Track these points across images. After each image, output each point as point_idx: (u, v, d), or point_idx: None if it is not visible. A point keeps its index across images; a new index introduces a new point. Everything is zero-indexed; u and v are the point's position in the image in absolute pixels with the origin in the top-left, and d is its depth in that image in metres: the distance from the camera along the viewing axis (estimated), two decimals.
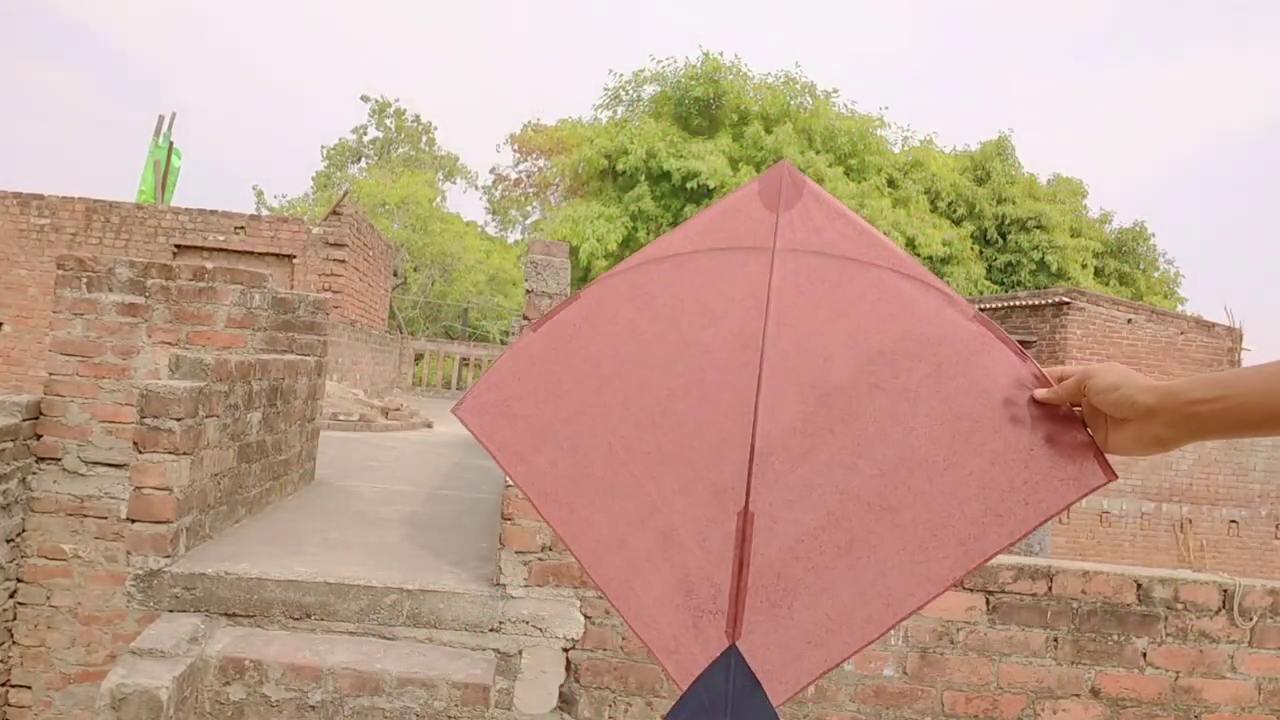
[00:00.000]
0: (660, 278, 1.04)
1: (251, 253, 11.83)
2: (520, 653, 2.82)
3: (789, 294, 0.99)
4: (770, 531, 0.89)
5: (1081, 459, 0.85)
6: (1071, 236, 23.91)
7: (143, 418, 2.85)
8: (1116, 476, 0.84)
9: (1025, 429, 0.88)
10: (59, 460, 4.10)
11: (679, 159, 20.33)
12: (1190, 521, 13.21)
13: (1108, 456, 0.85)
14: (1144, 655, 2.93)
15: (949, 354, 0.92)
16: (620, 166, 20.94)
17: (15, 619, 4.04)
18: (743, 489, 0.91)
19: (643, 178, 20.70)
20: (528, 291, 3.00)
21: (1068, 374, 0.87)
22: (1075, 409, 0.87)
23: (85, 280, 4.18)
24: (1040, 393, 0.88)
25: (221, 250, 11.80)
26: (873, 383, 0.93)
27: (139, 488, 2.84)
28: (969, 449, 0.88)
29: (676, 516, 0.92)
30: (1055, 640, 2.91)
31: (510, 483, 2.85)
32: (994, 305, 15.22)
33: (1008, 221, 23.76)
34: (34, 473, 4.08)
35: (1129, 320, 13.61)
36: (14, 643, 4.03)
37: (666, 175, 20.42)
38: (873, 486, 0.89)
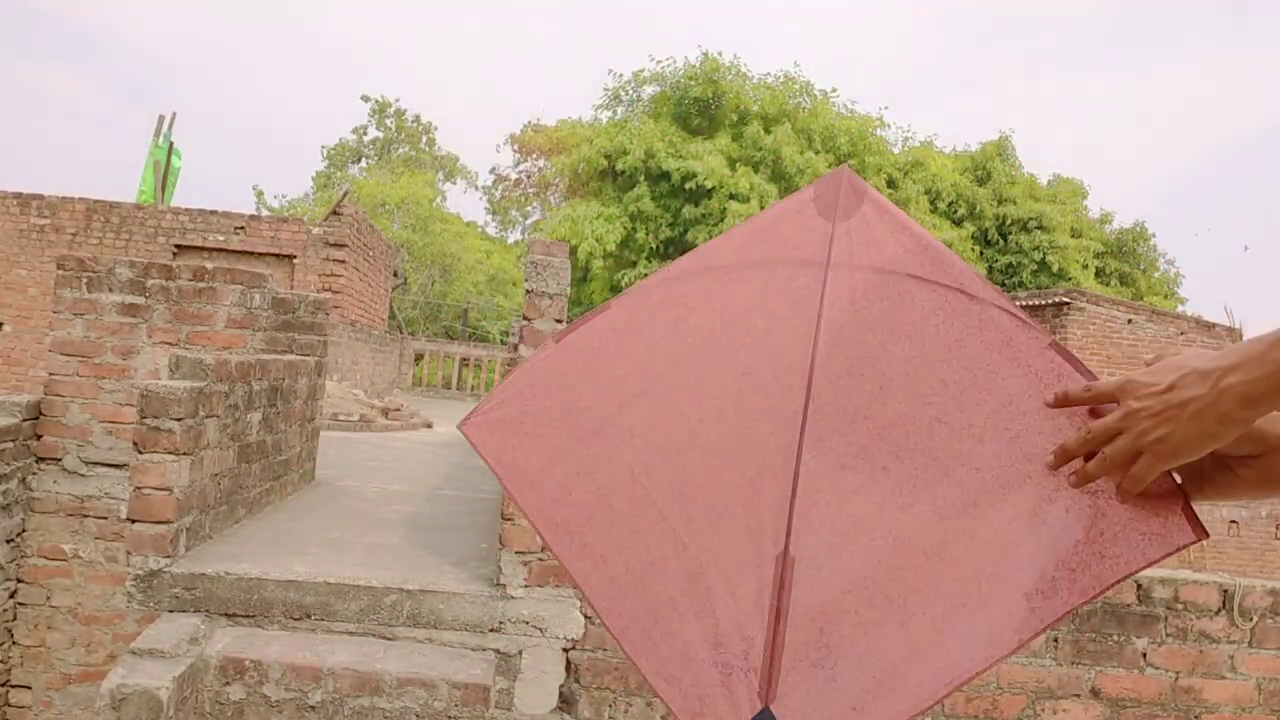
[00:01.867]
0: (699, 291, 0.94)
1: (251, 253, 11.83)
2: (520, 653, 2.82)
3: (842, 313, 0.88)
4: (813, 579, 0.78)
5: (1167, 512, 0.74)
6: (1072, 237, 23.92)
7: (143, 418, 2.85)
8: (1208, 535, 0.74)
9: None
10: (59, 460, 4.10)
11: (678, 159, 20.33)
12: None
13: (1200, 509, 0.75)
14: (1144, 655, 2.93)
15: (1021, 387, 0.81)
16: (620, 166, 20.94)
17: (15, 619, 4.04)
18: (783, 530, 0.80)
19: (642, 178, 20.71)
20: (528, 292, 3.00)
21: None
22: None
23: (85, 280, 4.18)
24: (1076, 390, 0.78)
25: (221, 250, 11.80)
26: (934, 416, 0.82)
27: (139, 488, 2.84)
28: (1040, 495, 0.77)
29: (705, 557, 0.81)
30: (1055, 640, 2.91)
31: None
32: None
33: (1008, 222, 23.77)
34: (34, 473, 4.08)
35: (1129, 320, 13.61)
36: (14, 643, 4.03)
37: (666, 175, 20.43)
38: (931, 533, 0.78)
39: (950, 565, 0.77)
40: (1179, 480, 0.75)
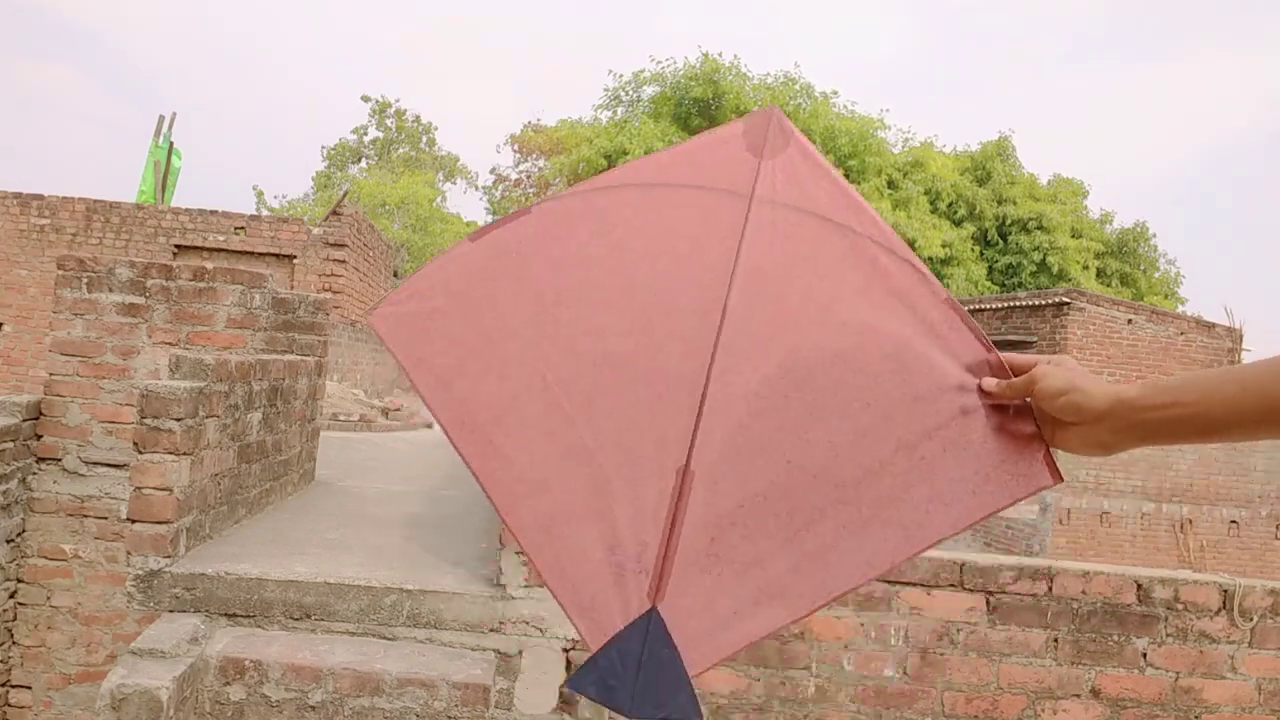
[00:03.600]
0: (622, 205, 0.96)
1: (251, 253, 11.84)
2: (520, 653, 2.82)
3: (761, 246, 0.93)
4: (709, 493, 0.83)
5: (1030, 457, 0.83)
6: (1072, 237, 23.91)
7: (143, 418, 2.85)
8: (1062, 479, 0.83)
9: (979, 418, 0.84)
10: (59, 460, 4.10)
11: None
12: (1190, 522, 13.21)
13: (1057, 454, 0.83)
14: (1144, 656, 2.93)
15: (915, 334, 0.88)
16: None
17: (15, 619, 4.04)
18: (685, 445, 0.84)
19: None
20: None
21: (1026, 365, 0.85)
22: (1027, 401, 0.84)
23: (85, 280, 4.18)
24: (988, 383, 0.85)
25: (221, 250, 11.80)
26: (835, 352, 0.88)
27: (139, 488, 2.84)
28: (923, 433, 0.84)
29: (610, 466, 0.84)
30: (1055, 640, 2.91)
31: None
32: (994, 306, 15.22)
33: (1008, 222, 23.77)
34: (34, 473, 4.08)
35: (1129, 320, 13.61)
36: (14, 643, 4.03)
37: None
38: (822, 460, 0.84)
39: (837, 491, 0.83)
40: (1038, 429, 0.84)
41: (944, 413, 0.85)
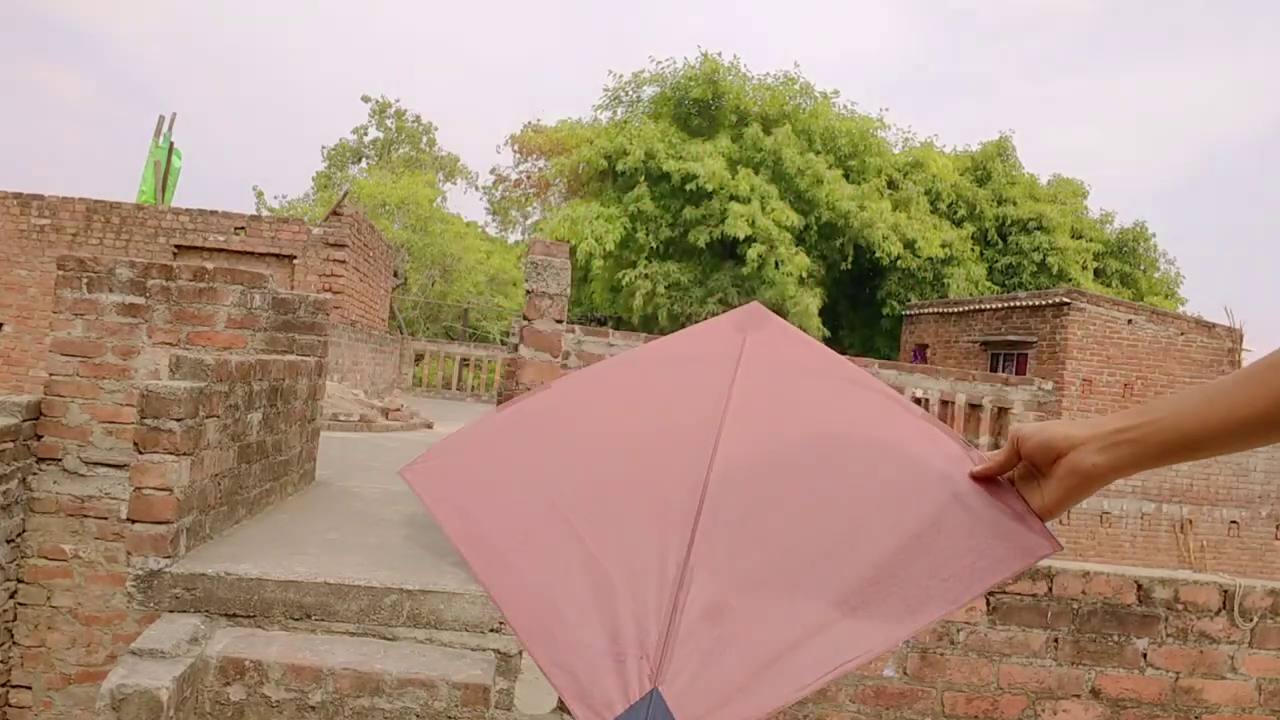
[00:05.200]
0: (628, 375, 1.12)
1: (252, 253, 11.84)
2: (520, 653, 2.82)
3: (749, 389, 1.05)
4: (710, 580, 0.86)
5: (1026, 529, 0.86)
6: (1072, 237, 23.89)
7: (143, 418, 2.85)
8: (1060, 546, 0.85)
9: (968, 504, 0.90)
10: (59, 460, 4.10)
11: (678, 160, 20.33)
12: (1191, 522, 13.21)
13: (1050, 525, 0.87)
14: (1144, 656, 2.93)
15: (897, 439, 0.97)
16: (620, 167, 20.94)
17: (15, 619, 4.04)
18: (685, 545, 0.89)
19: (642, 178, 20.71)
20: (528, 292, 3.00)
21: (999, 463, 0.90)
22: (1011, 481, 0.89)
23: (86, 280, 4.18)
24: (976, 468, 0.90)
25: (222, 251, 11.80)
26: (823, 458, 0.97)
27: (139, 488, 2.84)
28: (915, 518, 0.89)
29: (613, 568, 0.89)
30: (1055, 641, 2.91)
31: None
32: (994, 306, 15.22)
33: (1008, 222, 23.76)
34: (34, 473, 4.08)
35: (1129, 321, 13.61)
36: (14, 643, 4.03)
37: (666, 176, 20.43)
38: (818, 544, 0.89)
39: (836, 569, 0.87)
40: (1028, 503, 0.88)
41: (937, 500, 0.90)
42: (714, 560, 0.88)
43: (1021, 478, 0.88)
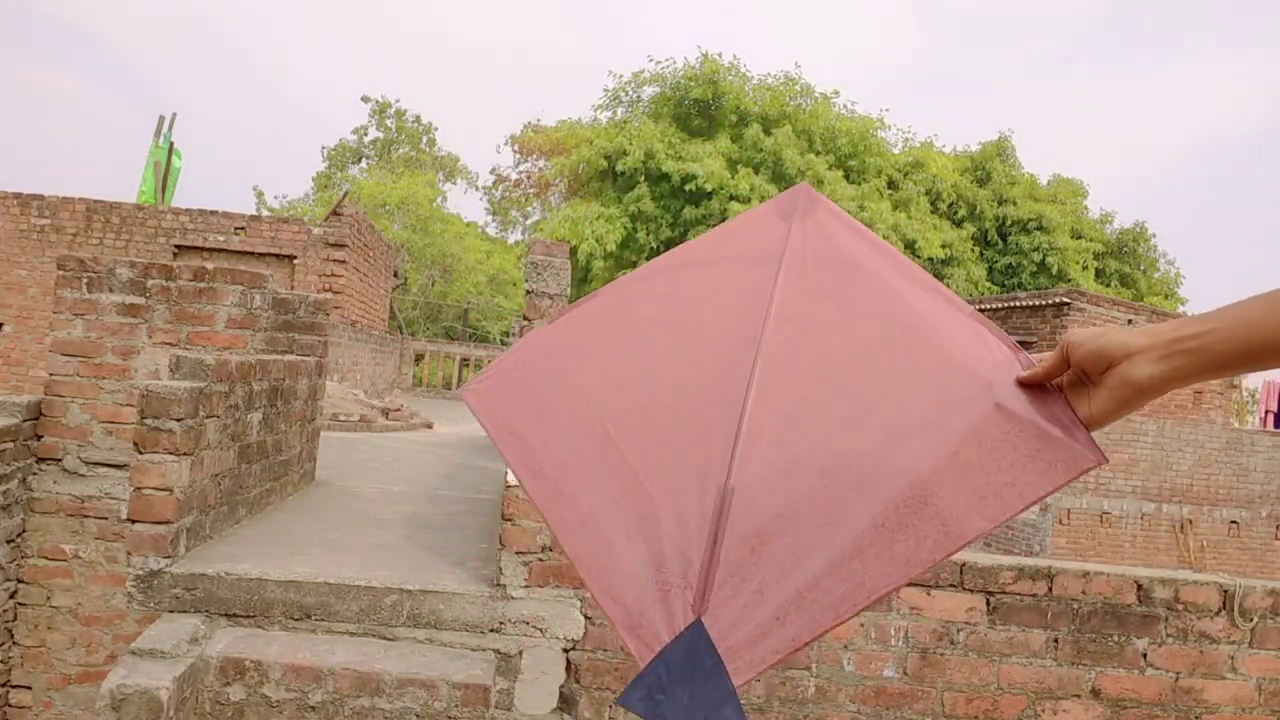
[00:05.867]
0: (672, 282, 1.09)
1: (252, 253, 11.83)
2: (520, 653, 2.82)
3: (793, 293, 1.02)
4: (749, 507, 0.87)
5: (1070, 440, 0.84)
6: (1072, 238, 23.90)
7: (143, 418, 2.85)
8: (1106, 459, 0.82)
9: (1012, 411, 0.87)
10: (59, 461, 4.10)
11: (678, 160, 20.34)
12: (1191, 522, 13.21)
13: (1096, 436, 0.84)
14: (1144, 656, 2.93)
15: (943, 343, 0.94)
16: (620, 167, 20.94)
17: (15, 619, 4.04)
18: (725, 466, 0.89)
19: (642, 179, 20.71)
20: (528, 292, 3.00)
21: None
22: (1059, 389, 0.86)
23: (86, 281, 4.18)
24: (1024, 373, 0.87)
25: (222, 251, 11.80)
26: (869, 365, 0.95)
27: (139, 488, 2.84)
28: (956, 431, 0.88)
29: (659, 494, 0.91)
30: (1056, 641, 2.91)
31: (510, 481, 2.85)
32: (994, 306, 15.22)
33: (1008, 223, 23.76)
34: (34, 473, 4.08)
35: (1129, 321, 13.61)
36: (14, 643, 4.03)
37: (666, 176, 20.43)
38: (858, 466, 0.88)
39: (874, 491, 0.86)
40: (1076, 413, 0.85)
41: (979, 411, 0.88)
42: (752, 485, 0.88)
43: (1070, 385, 0.84)
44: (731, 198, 19.70)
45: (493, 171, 36.80)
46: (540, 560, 2.85)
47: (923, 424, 0.89)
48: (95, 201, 11.99)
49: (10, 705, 4.04)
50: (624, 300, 1.10)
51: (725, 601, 0.83)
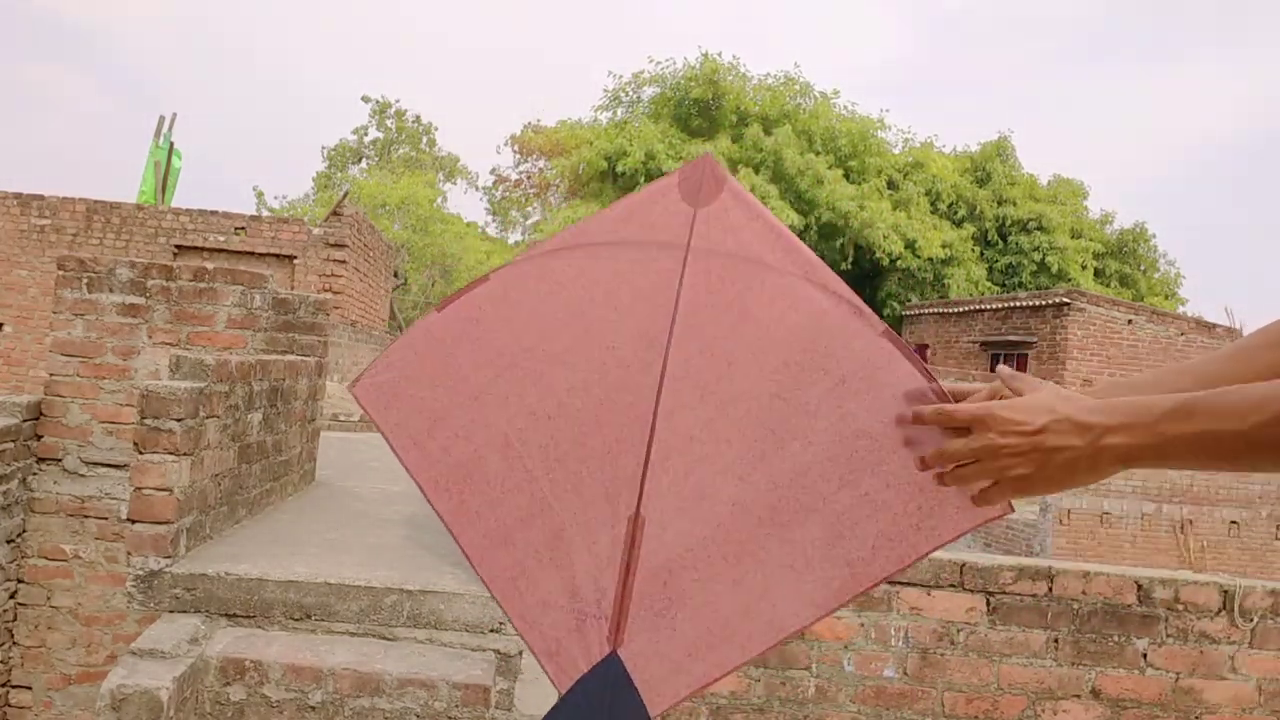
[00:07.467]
0: (571, 266, 1.00)
1: (252, 253, 11.84)
2: (521, 653, 2.82)
3: (698, 295, 0.96)
4: (659, 539, 0.86)
5: None
6: (1072, 238, 23.90)
7: (143, 418, 2.85)
8: (1012, 509, 0.78)
9: (923, 450, 0.82)
10: (59, 461, 4.10)
11: (678, 161, 20.34)
12: (1191, 522, 13.21)
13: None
14: (1144, 656, 2.93)
15: (853, 369, 0.88)
16: (620, 168, 20.96)
17: (15, 619, 4.04)
18: (635, 493, 0.88)
19: (642, 179, 20.72)
20: None
21: (968, 392, 0.81)
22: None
23: (86, 281, 4.18)
24: (928, 412, 0.81)
25: (222, 251, 11.80)
26: (774, 392, 0.90)
27: (139, 488, 2.84)
28: (864, 469, 0.85)
29: (567, 516, 0.89)
30: (1056, 641, 2.91)
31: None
32: (994, 306, 15.23)
33: (1008, 223, 23.76)
34: (34, 473, 4.08)
35: (1129, 321, 13.62)
36: (14, 643, 4.03)
37: None
38: (765, 500, 0.86)
39: (781, 530, 0.85)
40: None
41: (885, 448, 0.85)
42: (662, 515, 0.87)
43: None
44: None
45: (493, 172, 36.81)
46: None
47: (831, 458, 0.86)
48: (95, 202, 11.99)
49: (10, 705, 4.04)
50: (519, 286, 1.01)
51: (639, 634, 0.83)
